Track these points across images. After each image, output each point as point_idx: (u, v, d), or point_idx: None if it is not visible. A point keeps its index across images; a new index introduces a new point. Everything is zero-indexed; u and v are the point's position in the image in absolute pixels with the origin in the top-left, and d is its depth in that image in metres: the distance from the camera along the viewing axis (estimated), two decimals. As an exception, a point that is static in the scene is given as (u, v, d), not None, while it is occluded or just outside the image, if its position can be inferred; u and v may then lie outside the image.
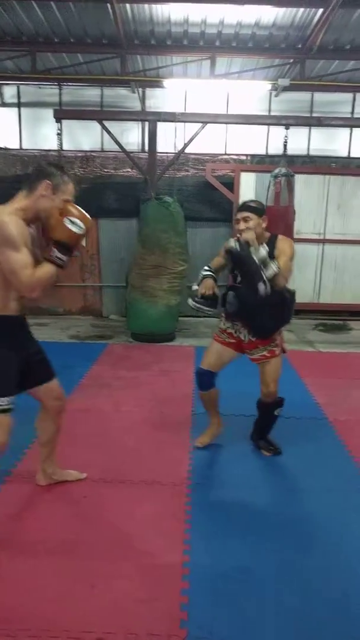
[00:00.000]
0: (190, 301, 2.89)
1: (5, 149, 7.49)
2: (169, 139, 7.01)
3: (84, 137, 7.52)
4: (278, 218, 5.88)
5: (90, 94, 7.41)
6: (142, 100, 7.44)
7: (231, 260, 2.83)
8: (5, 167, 7.18)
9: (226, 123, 6.80)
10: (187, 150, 6.58)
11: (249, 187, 7.51)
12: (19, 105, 7.52)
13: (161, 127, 6.26)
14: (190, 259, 6.03)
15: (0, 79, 7.10)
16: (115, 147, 6.40)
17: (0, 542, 2.27)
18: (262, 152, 7.71)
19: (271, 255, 2.78)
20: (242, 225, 2.81)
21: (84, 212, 2.17)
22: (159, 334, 5.96)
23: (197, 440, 3.23)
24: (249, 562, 2.19)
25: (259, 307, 2.75)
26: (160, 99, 7.35)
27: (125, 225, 6.87)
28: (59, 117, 6.01)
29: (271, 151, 7.49)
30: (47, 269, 2.09)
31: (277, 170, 5.81)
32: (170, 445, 3.23)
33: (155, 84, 6.81)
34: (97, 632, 1.78)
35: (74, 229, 2.09)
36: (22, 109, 7.51)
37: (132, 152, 6.76)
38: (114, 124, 6.64)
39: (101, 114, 6.98)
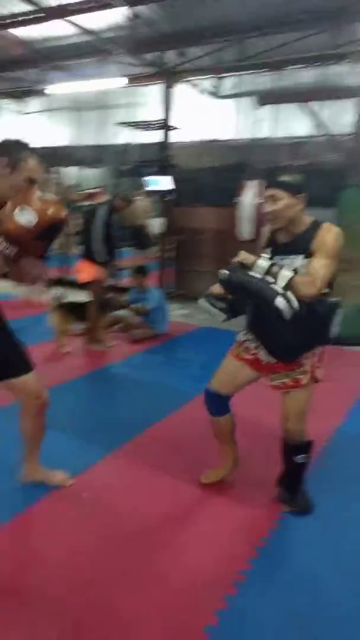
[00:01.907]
0: (200, 300, 2.30)
1: (217, 140, 7.75)
2: None
3: (296, 123, 7.20)
4: None
5: (305, 76, 7.01)
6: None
7: (231, 294, 2.17)
8: (218, 158, 7.42)
9: None
10: None
11: None
12: (232, 95, 7.65)
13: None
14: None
15: (211, 72, 7.31)
16: (329, 132, 5.94)
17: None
18: None
19: (305, 249, 2.06)
20: (268, 207, 2.09)
21: (43, 201, 1.91)
22: (347, 336, 5.32)
23: (203, 475, 2.62)
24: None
25: (277, 320, 2.02)
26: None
27: (325, 215, 6.32)
28: (264, 102, 5.91)
29: None
30: None
31: None
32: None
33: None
34: None
35: (21, 220, 1.85)
36: (237, 99, 7.62)
37: (348, 135, 6.16)
38: (328, 106, 6.17)
39: (302, 95, 6.56)
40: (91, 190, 11.35)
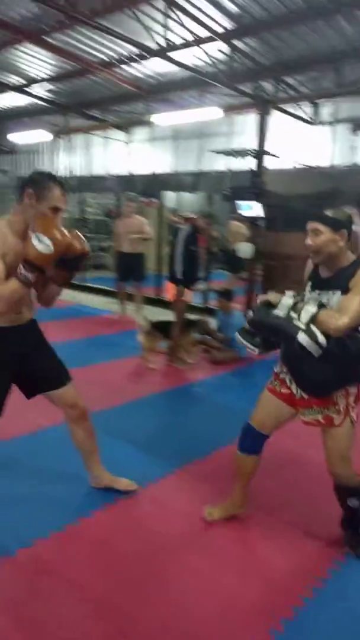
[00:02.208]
0: (236, 334, 2.29)
1: (312, 167, 7.69)
2: None
3: None
4: None
5: None
6: None
7: (258, 333, 2.17)
8: (313, 184, 7.38)
9: None
10: None
11: None
12: (329, 122, 7.58)
13: None
14: None
15: (308, 99, 7.32)
16: None
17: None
18: None
19: (344, 286, 2.00)
20: (309, 240, 2.08)
21: (61, 230, 1.95)
22: None
23: (207, 509, 2.57)
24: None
25: (306, 356, 1.97)
26: None
27: None
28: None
29: None
30: (10, 285, 1.97)
31: None
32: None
33: None
34: None
35: (39, 247, 1.91)
36: (334, 126, 7.53)
37: None
38: None
39: None
40: (188, 215, 11.78)
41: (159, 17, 6.10)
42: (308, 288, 2.20)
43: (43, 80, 8.87)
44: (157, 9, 5.93)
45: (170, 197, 12.32)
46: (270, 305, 2.09)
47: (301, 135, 7.79)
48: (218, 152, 7.70)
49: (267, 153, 6.83)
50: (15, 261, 1.99)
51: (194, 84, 7.68)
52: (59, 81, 8.79)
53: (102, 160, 11.17)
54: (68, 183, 10.81)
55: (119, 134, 10.61)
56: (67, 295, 9.32)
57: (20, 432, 3.35)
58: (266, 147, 7.14)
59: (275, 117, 7.38)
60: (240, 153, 6.99)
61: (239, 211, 6.85)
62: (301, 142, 7.76)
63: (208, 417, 4.01)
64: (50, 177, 2.09)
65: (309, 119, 7.66)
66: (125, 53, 7.37)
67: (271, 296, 2.13)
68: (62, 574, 2.13)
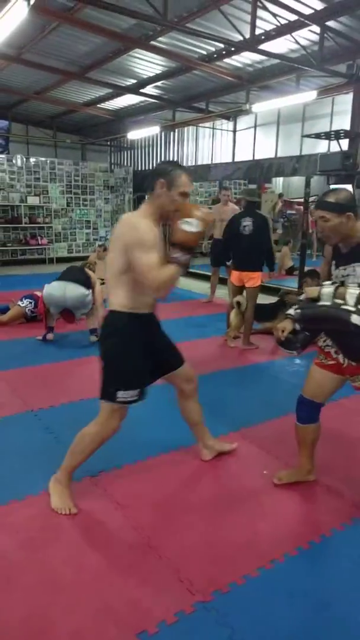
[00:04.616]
0: (280, 347, 2.50)
1: None
2: None
3: None
4: None
5: None
6: None
7: (307, 327, 2.31)
8: None
9: None
10: None
11: None
12: None
13: None
14: None
15: None
16: None
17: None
18: None
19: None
20: (319, 227, 2.26)
21: (200, 208, 2.11)
22: None
23: (278, 473, 2.79)
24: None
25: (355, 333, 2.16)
26: None
27: None
28: None
29: None
30: (170, 270, 2.08)
31: None
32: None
33: None
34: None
35: (190, 229, 2.06)
36: None
37: None
38: None
39: None
40: (293, 200, 11.74)
41: (248, 8, 6.25)
42: (333, 267, 2.40)
43: (152, 80, 9.50)
44: (247, 0, 6.06)
45: (278, 182, 12.36)
46: (312, 299, 2.25)
47: None
48: (307, 136, 7.65)
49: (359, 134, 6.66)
50: (160, 249, 2.17)
51: (290, 69, 7.69)
52: (167, 79, 9.34)
53: (208, 149, 11.60)
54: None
55: (224, 124, 10.93)
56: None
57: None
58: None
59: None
60: (331, 135, 6.89)
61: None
62: None
63: (261, 394, 4.25)
64: (177, 165, 2.26)
65: None
66: (222, 46, 7.63)
67: (310, 291, 2.29)
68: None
